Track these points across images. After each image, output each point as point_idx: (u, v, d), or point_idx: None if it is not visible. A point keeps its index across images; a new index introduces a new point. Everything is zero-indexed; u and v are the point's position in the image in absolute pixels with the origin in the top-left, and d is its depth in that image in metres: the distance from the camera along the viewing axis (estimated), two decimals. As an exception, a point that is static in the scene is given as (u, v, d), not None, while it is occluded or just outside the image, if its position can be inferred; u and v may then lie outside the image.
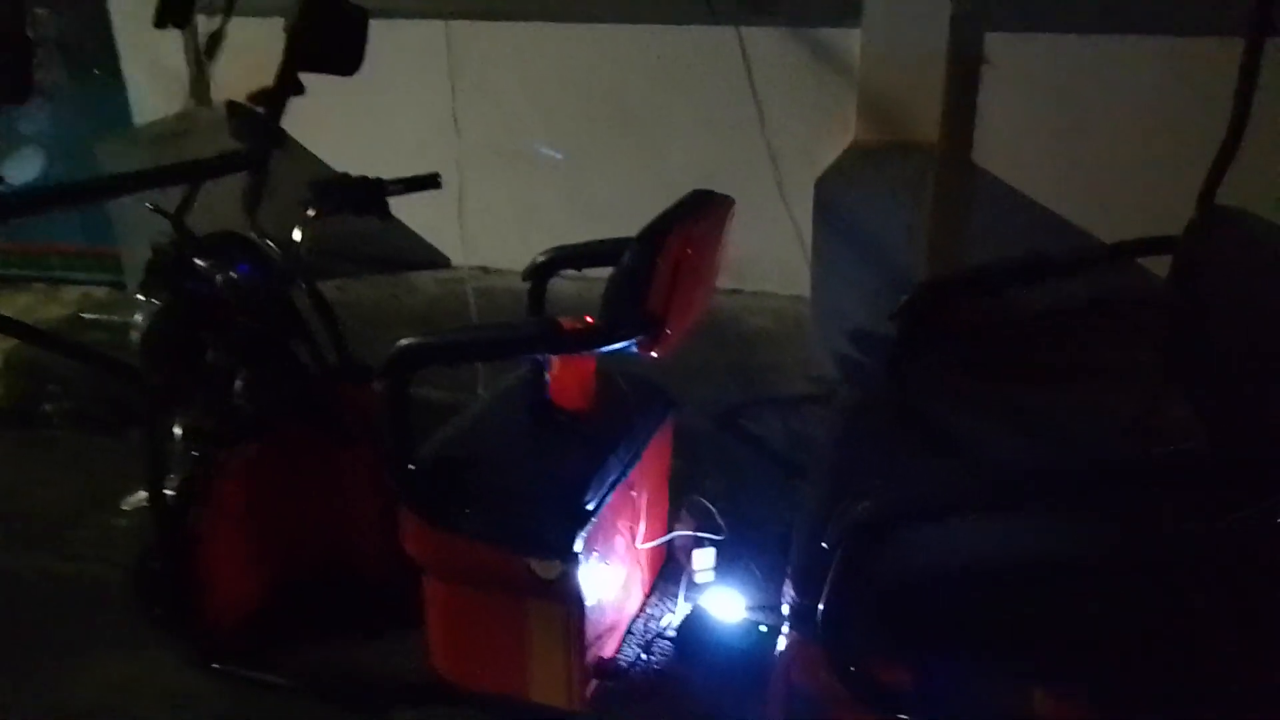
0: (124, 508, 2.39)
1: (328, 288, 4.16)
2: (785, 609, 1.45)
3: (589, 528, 1.68)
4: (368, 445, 2.21)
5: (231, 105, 2.27)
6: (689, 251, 1.60)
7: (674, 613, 2.09)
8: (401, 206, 4.25)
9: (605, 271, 2.31)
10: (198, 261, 1.91)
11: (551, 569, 1.71)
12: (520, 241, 4.26)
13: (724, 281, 3.98)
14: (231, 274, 1.93)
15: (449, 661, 1.90)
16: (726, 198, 1.93)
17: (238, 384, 2.03)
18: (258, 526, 2.09)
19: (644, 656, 1.97)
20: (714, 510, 2.25)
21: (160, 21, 1.99)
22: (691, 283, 1.66)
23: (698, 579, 2.15)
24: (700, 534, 2.16)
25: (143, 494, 2.22)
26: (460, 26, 3.52)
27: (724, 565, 2.21)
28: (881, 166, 3.32)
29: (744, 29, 3.69)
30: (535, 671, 1.83)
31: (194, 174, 2.16)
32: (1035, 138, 3.56)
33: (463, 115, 4.12)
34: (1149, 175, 3.46)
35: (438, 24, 3.77)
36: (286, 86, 2.11)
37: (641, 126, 4.01)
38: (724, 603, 2.06)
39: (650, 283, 1.56)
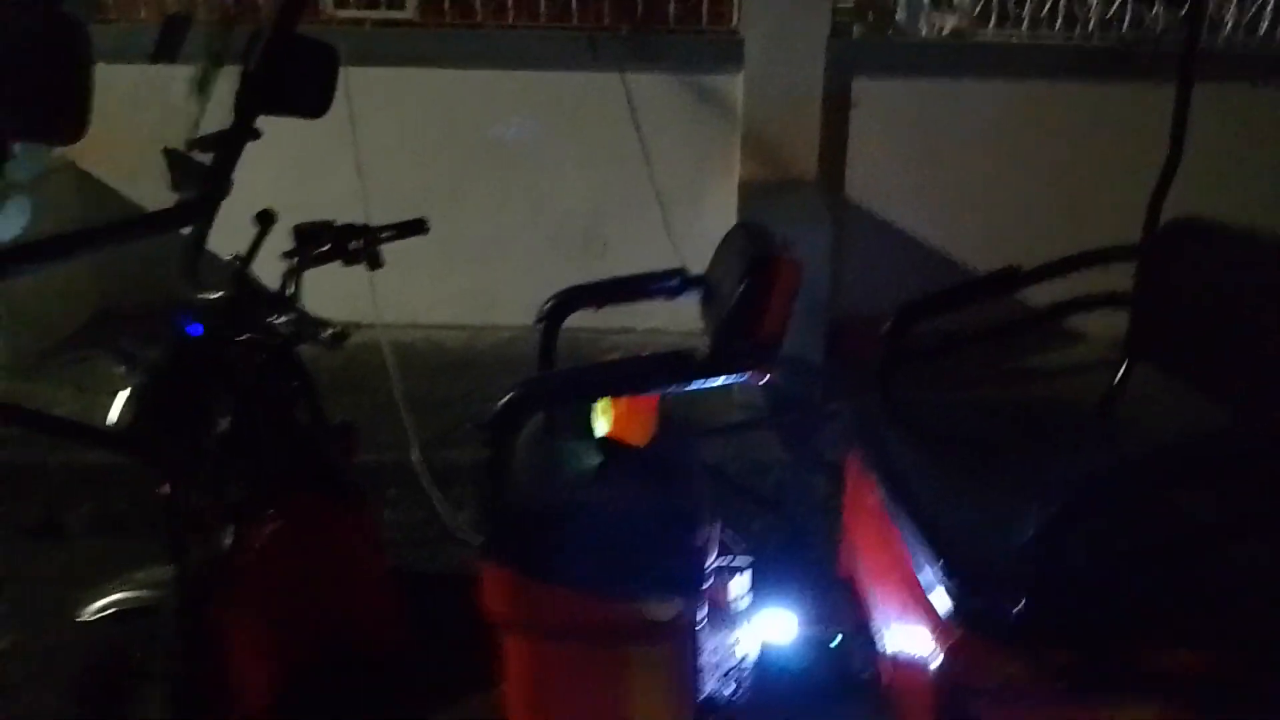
0: (81, 618, 2.05)
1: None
2: (947, 613, 1.51)
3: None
4: (368, 512, 2.07)
5: (170, 153, 2.06)
6: (795, 278, 1.65)
7: (738, 641, 2.09)
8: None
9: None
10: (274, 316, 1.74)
11: (668, 610, 1.68)
12: (391, 290, 4.09)
13: (615, 321, 4.06)
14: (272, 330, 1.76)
15: (537, 723, 1.80)
16: (768, 230, 1.99)
17: (253, 452, 1.84)
18: (274, 608, 1.88)
19: (728, 689, 1.96)
20: (732, 538, 2.28)
21: (156, 56, 1.79)
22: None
23: (739, 605, 2.16)
24: (734, 561, 2.19)
25: (106, 599, 1.95)
26: (358, 72, 3.35)
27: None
28: (789, 202, 3.53)
29: (629, 75, 3.81)
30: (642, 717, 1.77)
31: (130, 232, 1.93)
32: (896, 170, 3.93)
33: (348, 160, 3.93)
34: (991, 197, 3.94)
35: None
36: (243, 131, 1.95)
37: (527, 170, 4.00)
38: (779, 624, 2.09)
39: (766, 310, 1.60)
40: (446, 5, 3.98)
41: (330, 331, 1.58)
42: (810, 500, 2.89)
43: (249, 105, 1.77)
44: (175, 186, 2.05)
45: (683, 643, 1.71)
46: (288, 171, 3.95)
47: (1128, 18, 3.81)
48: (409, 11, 3.93)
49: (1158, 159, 2.22)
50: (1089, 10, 3.78)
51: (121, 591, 1.96)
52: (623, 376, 1.74)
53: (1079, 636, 1.43)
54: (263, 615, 1.85)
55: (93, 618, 1.96)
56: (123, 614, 1.95)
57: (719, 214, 3.96)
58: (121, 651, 2.02)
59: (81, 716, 2.02)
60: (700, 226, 3.96)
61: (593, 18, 4.00)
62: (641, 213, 3.98)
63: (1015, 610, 1.40)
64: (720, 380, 1.64)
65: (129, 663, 2.03)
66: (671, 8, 3.92)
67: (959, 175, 3.91)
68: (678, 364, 1.62)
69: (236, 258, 1.78)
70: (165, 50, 1.81)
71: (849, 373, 3.43)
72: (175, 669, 1.89)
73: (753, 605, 2.18)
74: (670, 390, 1.69)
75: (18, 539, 3.06)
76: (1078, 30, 3.83)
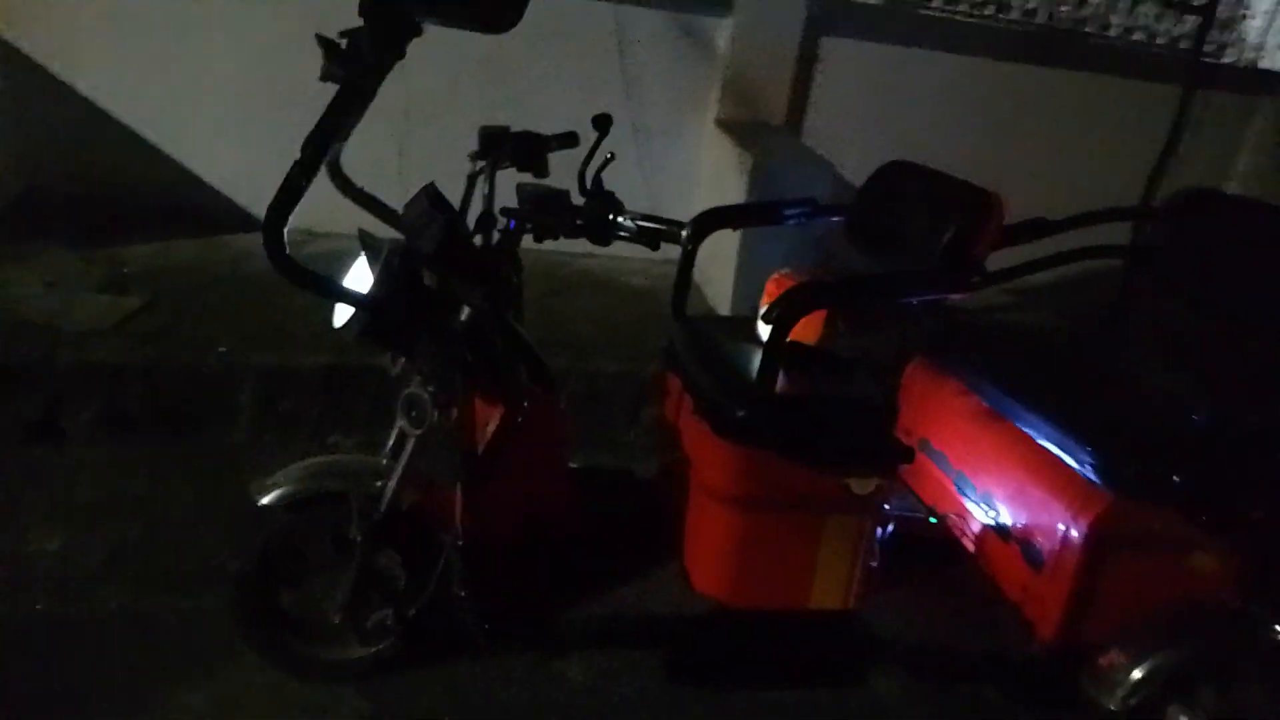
0: (263, 502, 2.03)
1: (144, 251, 3.62)
2: (1099, 482, 1.94)
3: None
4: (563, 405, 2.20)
5: (325, 42, 2.07)
6: (1003, 212, 1.97)
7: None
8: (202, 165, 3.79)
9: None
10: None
11: (868, 485, 2.00)
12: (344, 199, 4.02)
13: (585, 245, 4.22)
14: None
15: (733, 585, 2.05)
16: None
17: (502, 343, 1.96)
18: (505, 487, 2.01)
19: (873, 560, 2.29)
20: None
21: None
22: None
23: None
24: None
25: (283, 488, 2.00)
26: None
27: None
28: (784, 145, 3.84)
29: (619, 7, 3.94)
30: (820, 580, 2.08)
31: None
32: (850, 124, 4.35)
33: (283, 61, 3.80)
34: (937, 156, 4.44)
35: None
36: (407, 27, 1.91)
37: (512, 89, 4.03)
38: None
39: (982, 237, 1.92)
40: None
41: (686, 231, 1.72)
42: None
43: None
44: (325, 75, 2.07)
45: (872, 514, 2.04)
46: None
47: (1044, 11, 4.44)
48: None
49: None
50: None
51: (295, 483, 2.00)
52: (880, 287, 2.00)
53: (1208, 498, 1.91)
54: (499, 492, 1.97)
55: (274, 502, 1.98)
56: (297, 503, 2.00)
57: (690, 149, 4.21)
58: (298, 539, 2.07)
59: (252, 599, 2.06)
60: (671, 159, 4.21)
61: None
62: (615, 142, 4.13)
63: (1177, 479, 1.85)
64: (961, 291, 1.93)
65: (306, 550, 2.09)
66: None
67: (902, 133, 4.37)
68: (921, 280, 1.92)
69: (585, 163, 1.85)
70: None
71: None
72: (363, 554, 1.98)
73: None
74: (910, 298, 1.98)
75: (15, 442, 2.85)
76: (998, 14, 4.41)
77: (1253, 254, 2.45)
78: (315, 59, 3.98)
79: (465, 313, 1.88)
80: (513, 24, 1.48)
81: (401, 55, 1.50)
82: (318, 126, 1.51)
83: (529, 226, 1.85)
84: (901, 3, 4.31)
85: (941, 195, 2.02)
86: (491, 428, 1.90)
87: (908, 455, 1.98)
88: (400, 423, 1.91)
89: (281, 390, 3.11)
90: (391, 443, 2.13)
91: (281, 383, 3.11)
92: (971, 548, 2.36)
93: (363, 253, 1.91)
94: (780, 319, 1.80)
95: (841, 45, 4.20)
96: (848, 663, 2.17)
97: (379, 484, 2.00)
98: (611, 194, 1.85)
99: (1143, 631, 2.02)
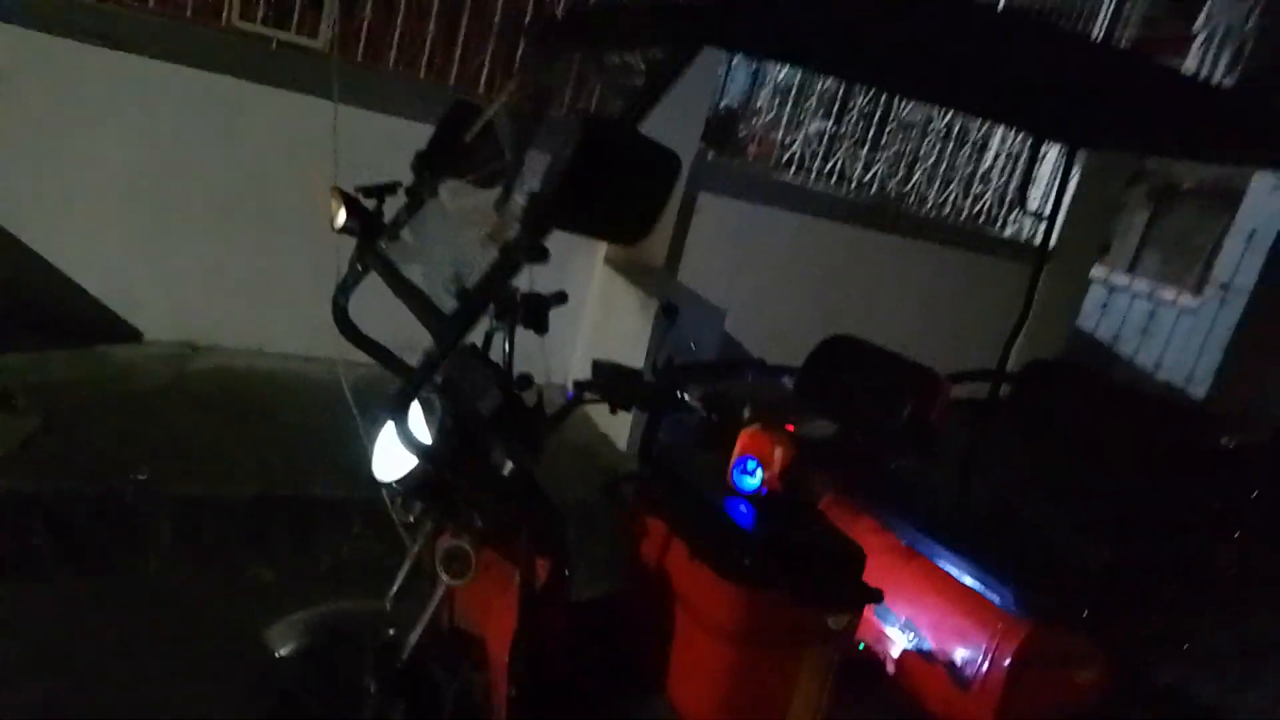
0: (282, 653, 1.99)
1: (19, 362, 3.37)
2: (1017, 611, 2.37)
3: (862, 585, 2.34)
4: None
5: (347, 198, 2.23)
6: (949, 392, 2.38)
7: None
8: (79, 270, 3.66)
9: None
10: None
11: (843, 621, 2.30)
12: (228, 312, 3.95)
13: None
14: None
15: (726, 716, 2.27)
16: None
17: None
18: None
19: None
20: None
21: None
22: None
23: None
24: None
25: (297, 640, 2.04)
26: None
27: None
28: (680, 287, 4.21)
29: (526, 152, 4.20)
30: (796, 706, 2.34)
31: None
32: (717, 268, 4.83)
33: (169, 168, 3.79)
34: (784, 300, 5.02)
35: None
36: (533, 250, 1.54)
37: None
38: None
39: (934, 410, 2.31)
40: (361, 44, 4.01)
41: (747, 411, 1.96)
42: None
43: (540, 218, 1.46)
44: (344, 228, 2.23)
45: (843, 645, 2.34)
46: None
47: (875, 184, 5.20)
48: (319, 42, 3.87)
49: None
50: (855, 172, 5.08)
51: (310, 634, 2.04)
52: (868, 452, 2.34)
53: (1103, 621, 2.38)
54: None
55: (291, 654, 2.01)
56: (312, 654, 2.04)
57: (579, 286, 4.50)
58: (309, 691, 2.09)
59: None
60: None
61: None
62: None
63: (1084, 611, 2.31)
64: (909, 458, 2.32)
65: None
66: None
67: (758, 280, 4.93)
68: (896, 448, 2.29)
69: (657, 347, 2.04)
70: None
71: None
72: (378, 706, 2.04)
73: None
74: (898, 459, 2.34)
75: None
76: (839, 183, 5.12)
77: (1087, 415, 3.05)
78: (203, 169, 4.07)
79: (508, 468, 2.01)
80: (644, 237, 1.70)
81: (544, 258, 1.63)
82: (454, 321, 1.61)
83: (589, 396, 2.03)
84: (744, 172, 4.88)
85: (894, 374, 2.42)
86: (541, 577, 2.03)
87: (877, 596, 2.31)
88: (439, 574, 1.99)
89: (199, 520, 3.01)
90: (396, 587, 2.18)
91: (199, 512, 3.01)
92: (893, 669, 2.72)
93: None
94: (794, 483, 2.10)
95: (714, 201, 4.70)
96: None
97: (391, 631, 2.07)
98: (678, 373, 2.08)
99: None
